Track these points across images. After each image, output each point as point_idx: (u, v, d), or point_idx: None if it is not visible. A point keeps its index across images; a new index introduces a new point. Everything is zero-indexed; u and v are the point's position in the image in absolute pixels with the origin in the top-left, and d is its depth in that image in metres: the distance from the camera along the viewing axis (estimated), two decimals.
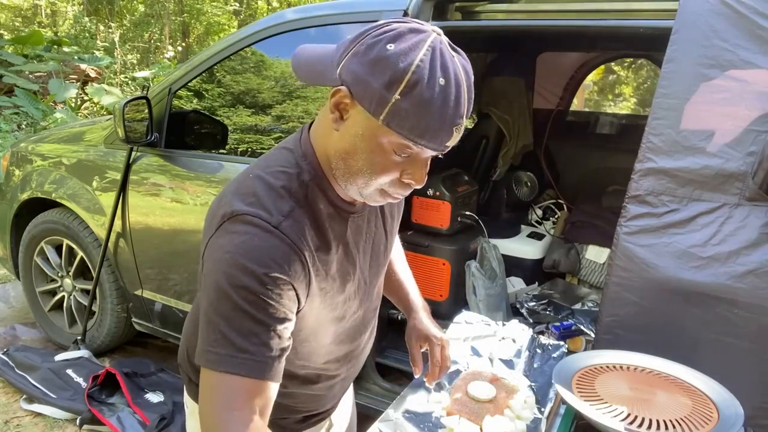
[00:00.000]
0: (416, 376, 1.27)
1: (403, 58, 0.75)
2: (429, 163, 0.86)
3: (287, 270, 0.82)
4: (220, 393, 0.80)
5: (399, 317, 2.17)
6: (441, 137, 0.78)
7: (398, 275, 1.28)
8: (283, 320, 0.83)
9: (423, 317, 1.24)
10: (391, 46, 0.75)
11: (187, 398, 1.15)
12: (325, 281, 0.91)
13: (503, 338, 1.49)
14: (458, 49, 0.81)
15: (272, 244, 0.82)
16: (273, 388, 0.84)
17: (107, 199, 2.57)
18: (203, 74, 2.46)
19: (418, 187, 0.86)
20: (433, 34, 0.78)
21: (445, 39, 0.80)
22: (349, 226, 0.95)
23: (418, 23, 0.79)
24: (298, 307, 0.87)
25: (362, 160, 0.83)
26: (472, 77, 0.81)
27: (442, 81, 0.75)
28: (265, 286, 0.80)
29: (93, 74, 8.02)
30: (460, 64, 0.78)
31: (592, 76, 4.78)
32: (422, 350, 1.24)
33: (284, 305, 0.82)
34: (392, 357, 2.17)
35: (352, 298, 1.00)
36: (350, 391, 1.34)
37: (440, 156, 0.85)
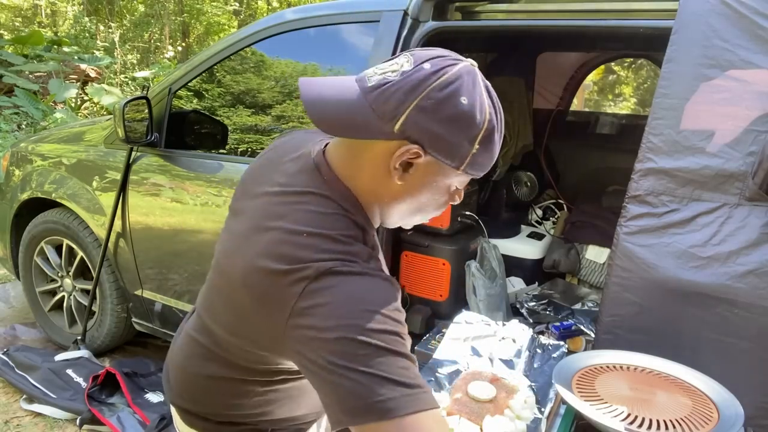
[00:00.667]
0: None
1: (479, 111, 0.79)
2: None
3: (398, 304, 0.81)
4: None
5: None
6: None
7: None
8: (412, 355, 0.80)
9: None
10: (464, 101, 0.78)
11: (182, 428, 1.08)
12: None
13: (503, 338, 1.49)
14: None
15: (382, 288, 0.81)
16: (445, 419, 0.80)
17: (107, 199, 2.57)
18: (203, 74, 2.46)
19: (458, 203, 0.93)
20: (477, 71, 0.82)
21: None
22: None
23: (459, 59, 0.82)
24: None
25: (428, 201, 0.88)
26: None
27: (500, 121, 0.83)
28: (396, 321, 0.78)
29: (93, 74, 8.02)
30: (495, 94, 0.84)
31: (592, 76, 4.78)
32: None
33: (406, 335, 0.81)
34: None
35: None
36: None
37: None
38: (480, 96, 0.80)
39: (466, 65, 0.81)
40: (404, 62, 0.81)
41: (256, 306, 0.83)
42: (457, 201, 0.91)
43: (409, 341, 0.80)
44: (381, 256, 0.93)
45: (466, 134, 0.79)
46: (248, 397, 0.98)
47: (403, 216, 0.91)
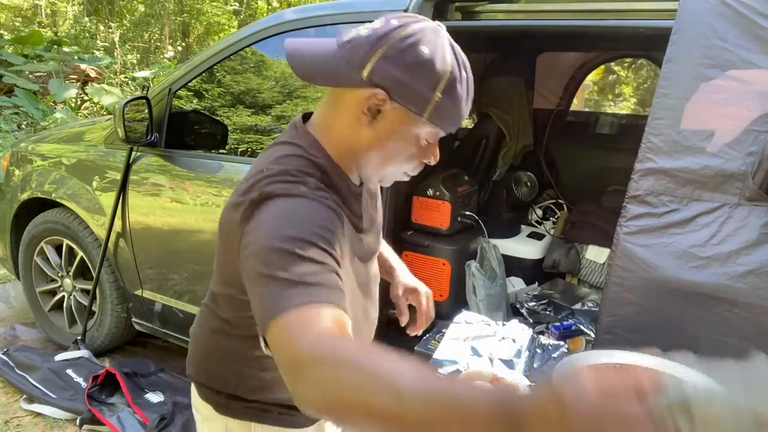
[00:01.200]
0: (402, 325, 1.29)
1: (440, 60, 0.84)
2: None
3: (332, 227, 0.84)
4: (285, 336, 0.72)
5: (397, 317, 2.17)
6: (460, 123, 0.91)
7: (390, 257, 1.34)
8: (331, 258, 0.81)
9: (407, 273, 1.30)
10: (425, 50, 0.83)
11: (198, 404, 1.12)
12: (347, 246, 0.92)
13: (503, 338, 1.49)
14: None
15: (316, 208, 0.84)
16: (345, 317, 0.77)
17: (107, 199, 2.57)
18: (203, 74, 2.46)
19: (435, 163, 0.96)
20: (443, 29, 0.88)
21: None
22: (360, 205, 1.01)
23: (426, 20, 0.88)
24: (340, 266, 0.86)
25: (397, 150, 0.91)
26: None
27: (464, 75, 0.87)
28: (315, 236, 0.80)
29: (93, 74, 8.02)
30: (463, 54, 0.88)
31: (592, 76, 4.78)
32: (408, 302, 1.28)
33: (329, 250, 0.81)
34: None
35: (362, 264, 1.04)
36: None
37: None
38: (442, 47, 0.85)
39: (432, 24, 0.87)
40: (376, 22, 0.88)
41: (225, 244, 0.91)
42: (432, 161, 0.95)
43: (330, 254, 0.81)
44: (359, 210, 1.00)
45: (427, 81, 0.84)
46: (246, 362, 1.01)
47: (376, 167, 0.94)
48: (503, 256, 2.58)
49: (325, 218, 0.84)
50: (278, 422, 1.06)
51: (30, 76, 7.32)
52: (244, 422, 1.06)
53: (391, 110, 0.87)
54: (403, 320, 1.27)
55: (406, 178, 0.99)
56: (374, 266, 1.12)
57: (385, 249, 1.32)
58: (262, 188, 0.85)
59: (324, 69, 0.88)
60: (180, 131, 2.48)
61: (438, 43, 0.85)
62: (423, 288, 1.28)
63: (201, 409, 1.12)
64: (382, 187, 1.13)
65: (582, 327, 2.31)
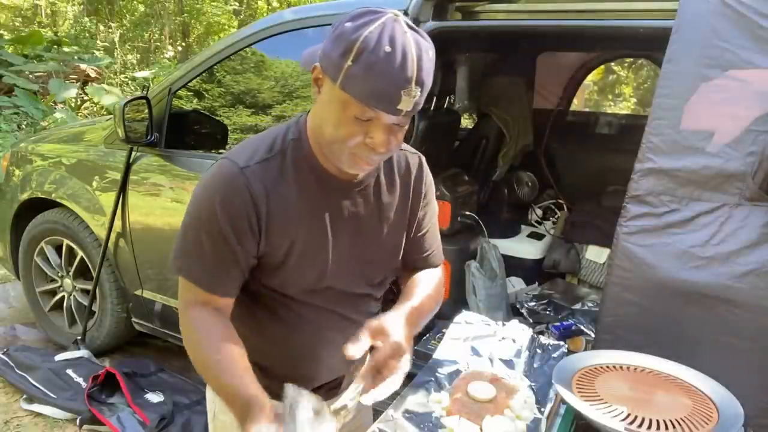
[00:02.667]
0: (347, 357, 0.97)
1: (355, 30, 0.87)
2: (397, 131, 0.96)
3: (236, 204, 0.97)
4: (183, 292, 1.03)
5: None
6: (390, 99, 0.88)
7: (412, 285, 1.19)
8: (229, 247, 0.99)
9: (400, 319, 1.04)
10: (348, 24, 0.89)
11: (210, 399, 1.23)
12: (289, 231, 1.02)
13: (503, 338, 1.49)
14: (418, 29, 0.92)
15: (232, 181, 0.98)
16: (222, 301, 1.03)
17: (107, 199, 2.57)
18: (203, 74, 2.46)
19: (381, 150, 0.95)
20: (389, 14, 0.89)
21: (403, 19, 0.90)
22: (332, 199, 1.05)
23: (381, 9, 0.90)
24: (255, 242, 1.00)
25: (331, 125, 0.94)
26: (429, 52, 0.91)
27: (387, 48, 0.86)
28: (223, 216, 0.97)
29: (93, 74, 8.01)
30: (412, 37, 0.89)
31: (592, 76, 4.78)
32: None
33: (228, 238, 0.98)
34: None
35: (327, 268, 1.08)
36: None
37: (399, 124, 0.94)
38: (366, 23, 0.87)
39: (380, 9, 0.90)
40: None
41: None
42: (381, 144, 0.93)
43: (228, 233, 0.98)
44: (326, 208, 1.05)
45: (341, 49, 0.88)
46: (243, 319, 1.10)
47: (324, 138, 0.97)
48: (503, 256, 2.58)
49: (233, 190, 0.98)
50: None
51: (30, 76, 7.31)
52: None
53: (325, 84, 0.94)
54: (348, 350, 0.96)
55: (365, 167, 0.99)
56: (355, 258, 1.10)
57: (417, 292, 1.16)
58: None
59: (310, 57, 0.99)
60: (180, 131, 2.48)
61: (365, 20, 0.88)
62: (398, 340, 0.99)
63: (210, 405, 1.24)
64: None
65: (582, 327, 2.32)
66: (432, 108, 2.65)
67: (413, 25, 0.91)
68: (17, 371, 2.62)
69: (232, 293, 1.04)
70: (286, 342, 1.14)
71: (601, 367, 1.27)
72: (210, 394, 1.25)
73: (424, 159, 1.20)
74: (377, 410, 1.42)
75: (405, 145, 1.16)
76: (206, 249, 0.99)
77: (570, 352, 1.51)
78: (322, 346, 1.16)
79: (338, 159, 0.98)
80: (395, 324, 1.02)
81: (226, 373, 0.96)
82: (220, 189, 0.98)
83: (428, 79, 0.91)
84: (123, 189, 2.51)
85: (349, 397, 1.02)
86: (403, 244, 1.19)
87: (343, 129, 0.93)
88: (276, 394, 1.03)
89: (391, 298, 1.21)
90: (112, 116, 2.51)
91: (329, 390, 1.24)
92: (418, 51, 0.89)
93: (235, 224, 0.98)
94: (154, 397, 2.44)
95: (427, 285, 1.19)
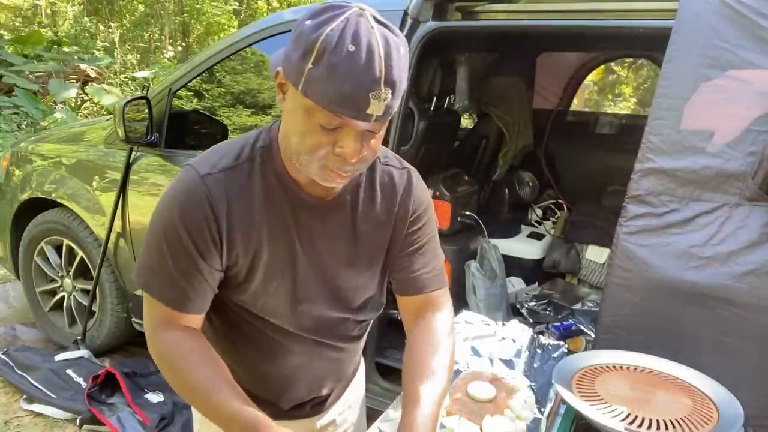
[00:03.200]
0: None
1: (315, 29, 0.78)
2: (370, 137, 0.86)
3: (195, 214, 0.91)
4: (149, 310, 0.97)
5: (398, 317, 2.17)
6: (356, 104, 0.79)
7: (419, 355, 1.03)
8: (191, 261, 0.92)
9: (421, 420, 0.92)
10: (308, 22, 0.79)
11: (197, 419, 1.18)
12: (252, 244, 0.95)
13: (503, 338, 1.49)
14: (387, 23, 0.82)
15: (191, 190, 0.91)
16: (190, 319, 0.96)
17: (107, 199, 2.57)
18: (203, 74, 2.46)
19: (353, 160, 0.85)
20: (353, 9, 0.80)
21: (369, 14, 0.81)
22: (297, 213, 0.97)
23: (346, 3, 0.81)
24: (218, 253, 0.93)
25: (298, 135, 0.85)
26: (400, 49, 0.81)
27: (351, 47, 0.77)
28: (183, 227, 0.91)
29: (93, 74, 8.01)
30: (379, 33, 0.79)
31: (592, 76, 4.78)
32: None
33: (189, 251, 0.91)
34: (392, 357, 2.16)
35: (296, 287, 1.00)
36: (355, 406, 1.31)
37: (371, 130, 0.85)
38: (327, 22, 0.78)
39: (343, 3, 0.81)
40: None
41: None
42: (350, 153, 0.84)
43: (188, 246, 0.91)
44: (292, 222, 0.97)
45: (301, 50, 0.79)
46: (216, 341, 1.05)
47: (291, 148, 0.88)
48: (503, 256, 2.58)
49: (194, 201, 0.91)
50: None
51: (30, 76, 7.30)
52: None
53: (287, 87, 0.85)
54: None
55: (338, 179, 0.89)
56: (324, 278, 1.02)
57: (429, 368, 1.00)
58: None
59: (275, 61, 0.89)
60: (180, 131, 2.48)
61: (326, 16, 0.79)
62: None
63: None
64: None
65: (582, 327, 2.32)
66: (432, 108, 2.65)
67: (382, 20, 0.82)
68: (17, 371, 2.62)
69: (200, 308, 0.97)
70: (261, 366, 1.08)
71: (601, 367, 1.27)
72: (197, 415, 1.18)
73: (415, 174, 1.09)
74: (377, 410, 1.42)
75: (394, 159, 1.08)
76: (169, 263, 0.92)
77: (570, 352, 1.51)
78: (301, 371, 1.10)
79: (309, 171, 0.89)
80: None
81: (217, 394, 0.89)
82: (180, 198, 0.92)
83: (400, 79, 0.81)
84: (123, 189, 2.50)
85: (336, 412, 1.03)
86: (381, 267, 1.08)
87: (309, 139, 0.84)
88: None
89: (390, 299, 1.15)
90: (112, 116, 2.51)
91: (315, 405, 1.19)
92: (387, 48, 0.79)
93: (194, 235, 0.91)
94: (154, 397, 2.44)
95: (439, 357, 1.03)
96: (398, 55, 0.80)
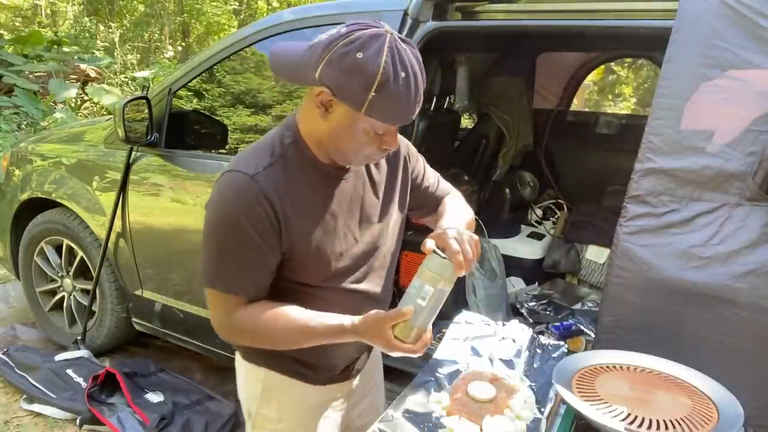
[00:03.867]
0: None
1: (371, 63, 0.95)
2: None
3: (260, 212, 1.04)
4: (218, 306, 1.11)
5: None
6: (408, 116, 1.03)
7: (444, 206, 1.35)
8: (258, 250, 1.06)
9: (454, 220, 1.25)
10: (360, 55, 0.95)
11: (238, 360, 1.32)
12: (302, 227, 1.10)
13: (503, 338, 1.49)
14: (407, 39, 1.02)
15: (247, 190, 1.04)
16: (249, 302, 1.10)
17: (107, 199, 2.57)
18: (203, 74, 2.46)
19: (394, 150, 1.13)
20: (388, 35, 0.98)
21: (396, 35, 0.99)
22: (332, 185, 1.14)
23: (376, 27, 0.98)
24: (279, 240, 1.07)
25: (350, 141, 1.04)
26: (421, 60, 1.02)
27: (403, 74, 0.97)
28: (246, 223, 1.04)
29: (93, 74, 8.01)
30: (412, 54, 1.00)
31: (592, 76, 4.78)
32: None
33: (256, 241, 1.05)
34: (392, 357, 2.16)
35: (342, 247, 1.16)
36: (377, 373, 1.52)
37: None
38: (377, 51, 0.95)
39: (376, 30, 0.98)
40: (336, 28, 1.01)
41: None
42: (393, 146, 1.08)
43: (253, 238, 1.04)
44: (332, 194, 1.14)
45: (361, 82, 0.96)
46: None
47: (338, 153, 1.09)
48: (503, 256, 2.58)
49: (239, 193, 1.04)
50: (291, 374, 1.24)
51: (30, 76, 7.30)
52: (260, 368, 1.26)
53: (338, 106, 1.01)
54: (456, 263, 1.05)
55: (374, 161, 1.16)
56: (366, 233, 1.21)
57: (452, 205, 1.34)
58: (229, 165, 1.09)
59: (291, 69, 1.06)
60: (180, 131, 2.48)
61: (374, 48, 0.95)
62: (458, 231, 1.09)
63: (236, 357, 1.32)
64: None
65: (582, 327, 2.32)
66: (432, 108, 2.65)
67: (402, 37, 1.01)
68: (17, 371, 2.62)
69: (264, 294, 1.13)
70: None
71: (601, 367, 1.27)
72: (244, 393, 1.32)
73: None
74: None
75: None
76: (239, 259, 1.06)
77: (570, 352, 1.51)
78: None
79: (348, 161, 1.11)
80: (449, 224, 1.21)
81: (317, 321, 1.09)
82: (239, 200, 1.04)
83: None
84: (123, 189, 2.50)
85: (367, 371, 1.41)
86: (402, 208, 1.30)
87: (365, 144, 1.04)
88: (307, 377, 1.26)
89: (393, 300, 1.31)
90: (112, 116, 2.50)
91: (357, 363, 1.36)
92: (419, 65, 1.00)
93: (259, 229, 1.04)
94: (154, 397, 2.44)
95: (456, 205, 1.35)
96: (422, 66, 1.02)
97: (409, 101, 0.99)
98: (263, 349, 1.20)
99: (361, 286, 1.22)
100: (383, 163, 1.24)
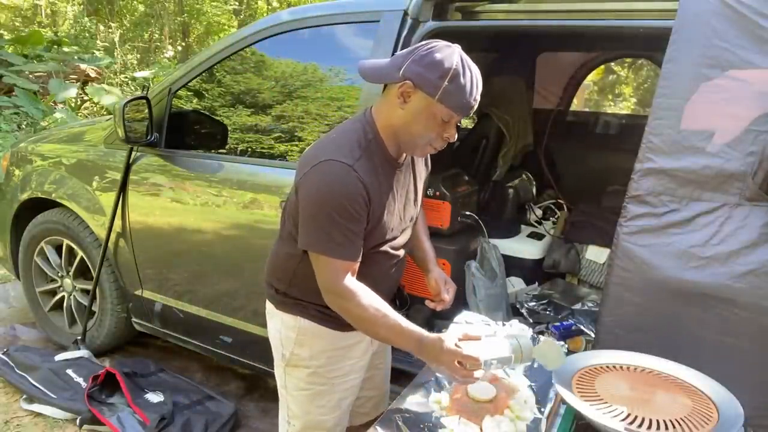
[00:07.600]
0: (437, 305, 1.65)
1: (447, 60, 1.25)
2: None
3: (359, 195, 1.28)
4: (330, 270, 1.32)
5: None
6: (471, 108, 1.30)
7: (421, 235, 1.70)
8: (358, 225, 1.31)
9: (438, 269, 1.70)
10: (438, 55, 1.25)
11: (268, 305, 1.57)
12: (379, 208, 1.35)
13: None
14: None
15: (349, 178, 1.27)
16: (357, 265, 1.34)
17: (107, 199, 2.57)
18: (203, 74, 2.46)
19: (452, 141, 1.35)
20: (458, 47, 1.29)
21: (459, 48, 1.29)
22: (395, 176, 1.40)
23: (447, 43, 1.29)
24: (367, 220, 1.32)
25: (420, 126, 1.31)
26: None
27: (469, 73, 1.26)
28: (349, 204, 1.27)
29: (93, 74, 8.01)
30: (473, 63, 1.29)
31: (592, 76, 4.78)
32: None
33: (357, 218, 1.29)
34: (392, 357, 2.16)
35: (394, 223, 1.44)
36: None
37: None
38: (450, 54, 1.25)
39: (448, 43, 1.29)
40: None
41: (294, 195, 1.38)
42: (453, 137, 1.34)
43: (356, 218, 1.29)
44: (394, 183, 1.40)
45: (438, 73, 1.24)
46: (298, 272, 1.44)
47: (409, 138, 1.34)
48: (503, 256, 2.58)
49: (343, 183, 1.27)
50: (319, 320, 1.47)
51: (30, 76, 7.30)
52: (294, 316, 1.49)
53: (416, 95, 1.28)
54: (440, 302, 1.64)
55: (434, 150, 1.37)
56: (407, 214, 1.50)
57: (426, 241, 1.71)
58: (320, 153, 1.31)
59: (377, 72, 1.36)
60: (180, 131, 2.48)
61: (448, 51, 1.26)
62: (449, 280, 1.69)
63: (269, 309, 1.57)
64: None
65: (582, 327, 2.31)
66: None
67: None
68: (17, 371, 2.62)
69: (360, 256, 1.36)
70: (371, 281, 1.40)
71: (601, 367, 1.27)
72: (278, 340, 1.54)
73: None
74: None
75: None
76: (344, 232, 1.29)
77: (570, 352, 1.51)
78: (389, 278, 1.53)
79: (413, 149, 1.39)
80: (442, 273, 1.70)
81: (405, 324, 1.31)
82: (343, 185, 1.27)
83: None
84: (123, 189, 2.51)
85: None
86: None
87: (432, 129, 1.31)
88: (335, 324, 1.46)
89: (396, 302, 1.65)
90: (112, 116, 2.50)
91: None
92: (476, 68, 1.28)
93: (358, 208, 1.28)
94: (154, 397, 2.44)
95: (425, 230, 1.75)
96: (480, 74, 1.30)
97: (472, 95, 1.27)
98: (298, 299, 1.47)
99: (393, 250, 1.49)
100: (422, 163, 1.55)
